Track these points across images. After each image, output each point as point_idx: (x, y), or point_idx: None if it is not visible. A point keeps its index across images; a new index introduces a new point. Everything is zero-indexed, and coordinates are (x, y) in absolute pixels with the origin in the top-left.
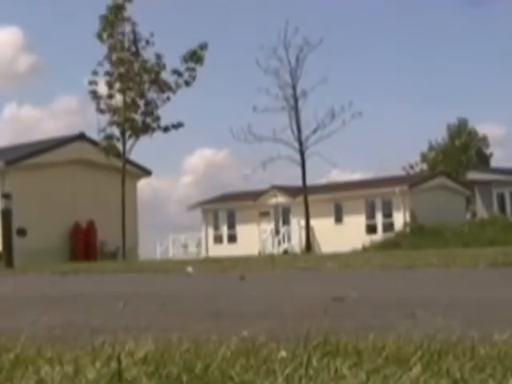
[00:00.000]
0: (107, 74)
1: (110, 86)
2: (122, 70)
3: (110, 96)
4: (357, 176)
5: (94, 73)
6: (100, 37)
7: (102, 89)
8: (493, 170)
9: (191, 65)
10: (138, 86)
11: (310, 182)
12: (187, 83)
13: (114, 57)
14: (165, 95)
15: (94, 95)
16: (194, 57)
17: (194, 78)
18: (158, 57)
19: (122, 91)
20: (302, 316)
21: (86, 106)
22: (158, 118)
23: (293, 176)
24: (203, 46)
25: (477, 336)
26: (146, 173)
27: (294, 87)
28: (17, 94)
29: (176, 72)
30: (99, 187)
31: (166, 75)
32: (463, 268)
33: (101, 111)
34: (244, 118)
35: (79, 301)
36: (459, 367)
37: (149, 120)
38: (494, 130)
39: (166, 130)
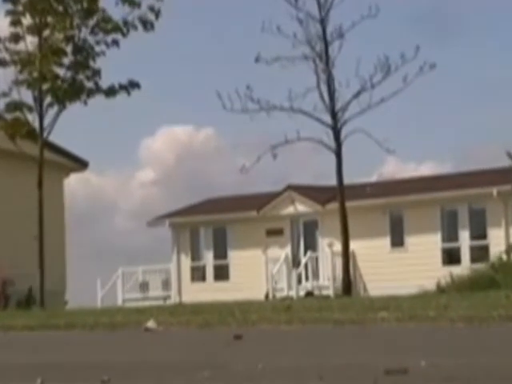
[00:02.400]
0: (9, 0)
1: (14, 21)
2: None
3: (16, 38)
4: (426, 169)
5: None
6: None
7: (1, 26)
8: None
9: None
10: (63, 22)
11: (349, 178)
12: (147, 25)
13: None
14: (108, 37)
15: None
16: None
17: (157, 13)
18: None
19: (36, 30)
20: None
21: None
22: (96, 74)
23: (322, 169)
24: None
25: None
26: (80, 165)
27: (322, 22)
28: None
29: (128, 1)
30: (0, 188)
31: (109, 8)
32: None
33: (0, 63)
34: (240, 74)
35: None
36: None
37: (82, 77)
38: None
39: (110, 93)
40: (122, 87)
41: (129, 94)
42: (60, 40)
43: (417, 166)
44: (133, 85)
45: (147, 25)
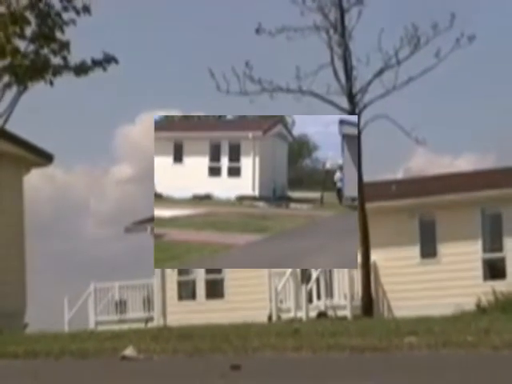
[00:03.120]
0: None
1: None
2: None
3: None
4: (464, 163)
5: None
6: None
7: None
8: None
9: None
10: None
11: (370, 175)
12: None
13: None
14: (79, 3)
15: None
16: None
17: None
18: None
19: None
20: None
21: None
22: (64, 48)
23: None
24: None
25: None
26: (43, 159)
27: None
28: None
29: None
30: None
31: None
32: None
33: None
34: (238, 48)
35: None
36: None
37: (46, 51)
38: None
39: (81, 70)
40: (96, 63)
41: (104, 69)
42: (23, 6)
43: (453, 159)
44: (108, 59)
45: None
